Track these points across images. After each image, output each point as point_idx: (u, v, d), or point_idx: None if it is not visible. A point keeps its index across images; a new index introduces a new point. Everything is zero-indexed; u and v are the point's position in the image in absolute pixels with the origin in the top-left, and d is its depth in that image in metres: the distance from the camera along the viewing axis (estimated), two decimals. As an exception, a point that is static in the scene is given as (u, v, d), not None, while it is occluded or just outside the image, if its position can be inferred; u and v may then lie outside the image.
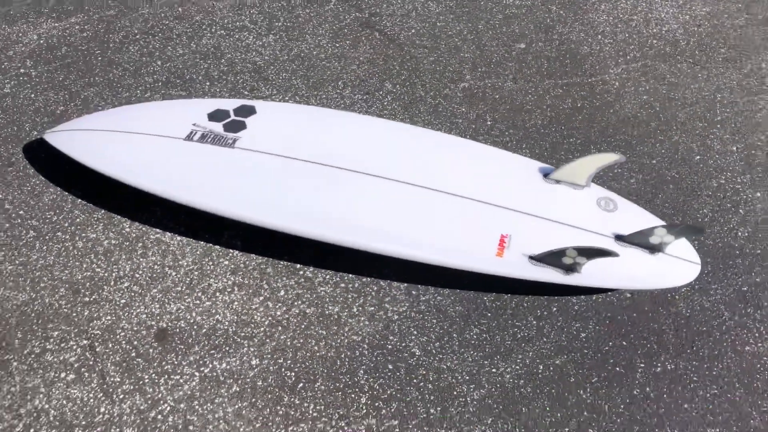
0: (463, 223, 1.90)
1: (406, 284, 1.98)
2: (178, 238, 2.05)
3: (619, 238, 1.93)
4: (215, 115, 2.16)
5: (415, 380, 1.75)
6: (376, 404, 1.70)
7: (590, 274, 1.79)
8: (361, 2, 3.16)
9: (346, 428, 1.66)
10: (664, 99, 2.68)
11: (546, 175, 2.10)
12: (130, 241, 2.04)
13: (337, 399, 1.72)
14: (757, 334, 1.89)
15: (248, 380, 1.74)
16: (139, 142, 2.13)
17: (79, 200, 2.14)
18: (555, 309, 1.94)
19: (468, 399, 1.72)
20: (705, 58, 2.91)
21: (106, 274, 1.94)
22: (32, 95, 2.52)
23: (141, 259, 1.98)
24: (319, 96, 2.62)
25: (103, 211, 2.12)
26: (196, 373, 1.75)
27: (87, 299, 1.88)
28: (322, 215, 1.92)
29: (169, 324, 1.84)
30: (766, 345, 1.86)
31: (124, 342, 1.79)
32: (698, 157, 2.43)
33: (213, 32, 2.93)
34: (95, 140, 2.14)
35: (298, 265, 2.00)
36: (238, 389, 1.72)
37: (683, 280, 1.85)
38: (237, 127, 2.11)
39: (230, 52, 2.81)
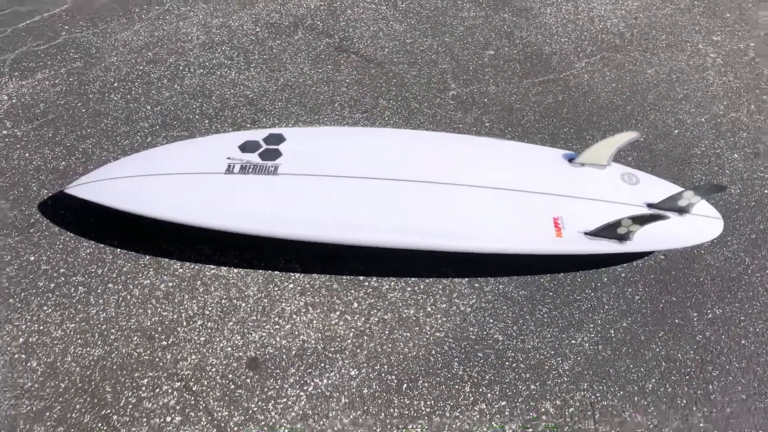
0: (518, 213, 2.24)
1: (467, 279, 2.17)
2: (235, 270, 2.14)
3: (650, 205, 2.18)
4: (247, 147, 2.30)
5: (507, 362, 1.95)
6: (480, 390, 1.88)
7: (641, 240, 2.03)
8: (329, 29, 3.36)
9: (461, 416, 1.79)
10: (631, 84, 3.09)
11: (571, 160, 2.32)
12: (187, 280, 2.12)
13: (443, 392, 1.87)
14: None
15: (353, 390, 1.86)
16: (177, 181, 2.25)
17: (119, 249, 2.21)
18: (606, 279, 2.19)
19: (560, 370, 1.92)
20: (652, 46, 3.34)
21: (175, 316, 2.00)
22: (26, 155, 2.53)
23: (205, 296, 2.05)
24: (321, 119, 2.85)
25: (147, 256, 2.18)
26: (302, 393, 1.84)
27: (164, 343, 1.93)
28: (387, 223, 2.14)
29: (258, 352, 1.93)
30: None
31: (218, 377, 1.85)
32: (676, 131, 2.81)
33: (193, 72, 3.01)
34: (129, 186, 2.24)
35: (361, 277, 2.17)
36: (347, 400, 1.84)
37: (713, 235, 2.13)
38: (273, 155, 2.28)
39: (218, 88, 2.94)
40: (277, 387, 1.97)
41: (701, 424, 1.92)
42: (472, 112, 3.06)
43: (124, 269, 2.26)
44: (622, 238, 2.14)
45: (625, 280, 2.35)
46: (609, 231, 2.12)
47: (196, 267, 2.28)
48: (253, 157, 2.35)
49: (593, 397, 1.97)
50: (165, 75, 3.16)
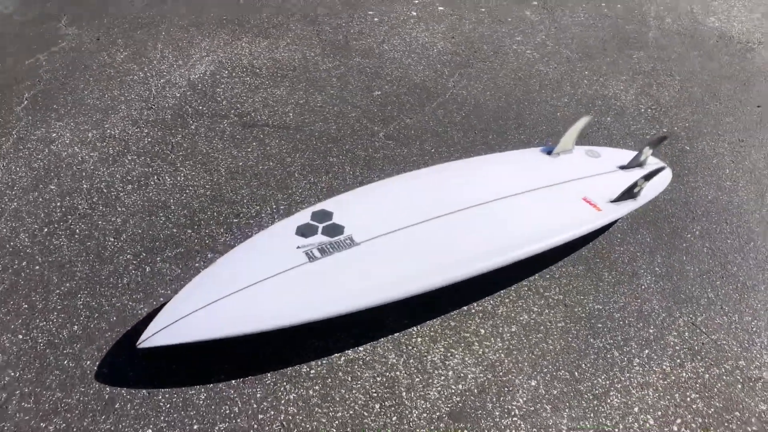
0: (556, 206, 2.69)
1: (535, 275, 2.57)
2: (360, 348, 2.32)
3: (622, 167, 2.87)
4: (305, 231, 2.45)
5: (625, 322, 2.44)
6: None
7: (644, 196, 2.68)
8: (214, 109, 3.71)
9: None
10: (496, 87, 3.82)
11: (549, 152, 2.92)
12: (330, 377, 2.28)
13: (607, 361, 2.27)
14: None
15: (548, 394, 2.17)
16: (268, 288, 2.20)
17: (232, 382, 2.24)
18: (619, 236, 2.80)
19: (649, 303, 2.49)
20: (484, 55, 4.09)
21: (351, 412, 2.18)
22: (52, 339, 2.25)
23: (359, 382, 2.22)
24: (294, 192, 3.11)
25: (268, 374, 2.22)
26: (517, 419, 2.08)
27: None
28: (468, 254, 2.39)
29: (449, 405, 2.14)
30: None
31: None
32: (600, 101, 3.57)
33: (123, 188, 2.90)
34: (217, 312, 2.12)
35: (465, 307, 2.52)
36: (550, 406, 2.13)
37: (668, 178, 2.85)
38: (336, 229, 2.47)
39: (166, 196, 3.06)
40: (492, 423, 2.14)
41: None
42: (412, 145, 3.45)
43: (257, 395, 2.17)
44: (635, 196, 2.77)
45: (636, 230, 3.00)
46: (628, 193, 2.73)
47: (324, 362, 2.29)
48: (321, 238, 2.43)
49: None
50: (97, 203, 2.91)
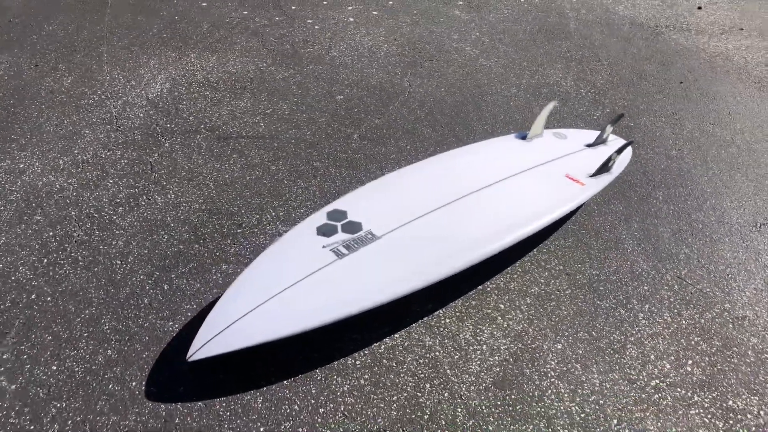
0: (544, 185, 2.88)
1: (534, 252, 2.79)
2: (396, 335, 2.44)
3: (588, 145, 3.16)
4: (326, 231, 2.53)
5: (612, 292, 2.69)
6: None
7: (617, 168, 2.95)
8: (183, 125, 3.70)
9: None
10: (449, 84, 4.04)
11: (524, 138, 3.16)
12: (376, 365, 2.35)
13: (619, 317, 2.51)
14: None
15: (576, 356, 2.36)
16: (301, 290, 2.26)
17: (285, 382, 2.26)
18: (595, 208, 3.05)
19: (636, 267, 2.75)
20: (428, 55, 4.32)
21: (404, 394, 2.25)
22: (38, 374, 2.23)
23: (403, 366, 2.32)
24: (288, 199, 3.15)
25: (317, 371, 2.28)
26: (554, 378, 2.28)
27: (426, 416, 2.13)
28: (482, 236, 2.53)
29: (492, 376, 2.29)
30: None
31: (493, 409, 2.17)
32: (545, 89, 3.84)
33: (114, 211, 2.89)
34: (259, 318, 2.16)
35: (480, 286, 2.68)
36: (580, 365, 2.34)
37: (630, 153, 3.16)
38: (355, 226, 2.55)
39: (162, 215, 2.99)
40: (534, 387, 2.31)
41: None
42: (387, 143, 3.59)
43: (312, 391, 2.23)
44: (610, 169, 3.04)
45: (613, 197, 3.26)
46: (604, 167, 2.99)
47: (365, 352, 2.38)
48: (343, 236, 2.52)
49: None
50: (91, 228, 2.86)
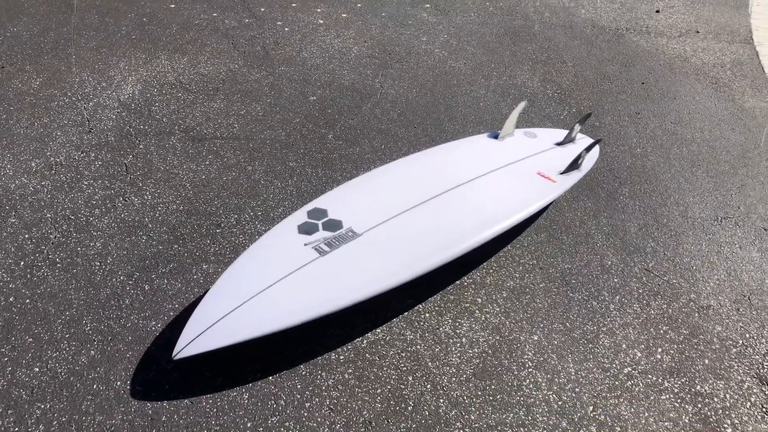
0: (516, 182, 2.95)
1: (507, 248, 2.88)
2: (378, 330, 2.50)
3: (558, 143, 3.26)
4: (308, 229, 2.56)
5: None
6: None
7: (585, 165, 3.06)
8: (157, 127, 3.70)
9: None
10: (421, 84, 4.12)
11: (496, 137, 3.25)
12: (360, 359, 2.38)
13: (588, 310, 2.61)
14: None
15: (548, 353, 2.45)
16: (284, 287, 2.28)
17: (273, 378, 2.28)
18: (565, 204, 3.15)
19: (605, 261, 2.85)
20: (397, 57, 4.39)
21: (389, 387, 2.28)
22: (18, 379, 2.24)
23: (385, 360, 2.38)
24: (266, 198, 3.16)
25: (301, 366, 2.33)
26: (531, 368, 2.37)
27: (410, 408, 2.20)
28: (460, 232, 2.59)
29: (469, 368, 2.37)
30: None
31: (473, 398, 2.24)
32: (513, 90, 3.94)
33: (90, 212, 2.90)
34: (242, 316, 2.18)
35: (457, 282, 2.76)
36: (556, 356, 2.43)
37: (597, 151, 3.27)
38: (336, 224, 2.59)
39: (140, 215, 2.96)
40: (513, 377, 2.39)
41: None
42: (362, 143, 3.64)
43: (297, 386, 2.27)
44: (579, 166, 3.14)
45: (581, 193, 3.36)
46: (574, 164, 3.09)
47: (349, 347, 2.43)
48: (324, 233, 2.56)
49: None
50: (68, 230, 2.85)
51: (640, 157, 3.79)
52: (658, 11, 6.16)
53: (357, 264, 2.41)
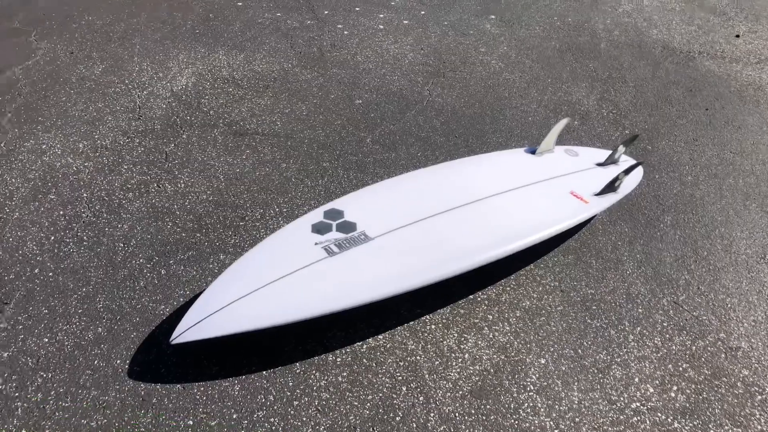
0: (547, 200, 2.86)
1: (531, 265, 2.77)
2: (380, 336, 2.47)
3: (599, 164, 3.12)
4: (321, 229, 2.55)
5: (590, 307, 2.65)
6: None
7: (623, 189, 2.92)
8: (202, 119, 3.78)
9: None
10: (470, 94, 4.03)
11: (533, 152, 3.14)
12: (355, 363, 2.37)
13: (606, 336, 2.49)
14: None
15: (557, 373, 2.34)
16: (288, 284, 2.29)
17: (264, 373, 2.30)
18: (600, 227, 3.03)
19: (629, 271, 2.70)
20: (453, 66, 4.32)
21: (380, 395, 2.26)
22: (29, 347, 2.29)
23: (383, 367, 2.36)
24: (294, 196, 3.20)
25: (297, 365, 2.33)
26: (532, 393, 2.26)
27: (398, 418, 2.15)
28: (474, 245, 2.53)
29: (470, 385, 2.28)
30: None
31: (467, 417, 2.16)
32: (565, 107, 3.81)
33: (124, 196, 2.96)
34: (246, 307, 2.20)
35: (471, 296, 2.70)
36: (560, 382, 2.31)
37: (641, 174, 3.11)
38: (350, 226, 2.56)
39: (169, 202, 3.05)
40: (511, 399, 2.30)
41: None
42: (399, 149, 3.61)
43: (289, 384, 2.26)
44: (616, 189, 3.00)
45: (621, 217, 3.23)
46: (611, 186, 2.96)
47: (347, 350, 2.40)
48: (336, 234, 2.55)
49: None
50: (100, 210, 2.95)
51: (690, 185, 3.61)
52: (738, 36, 5.86)
53: (363, 268, 2.40)
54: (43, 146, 3.38)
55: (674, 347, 2.56)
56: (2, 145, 3.35)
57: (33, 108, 3.71)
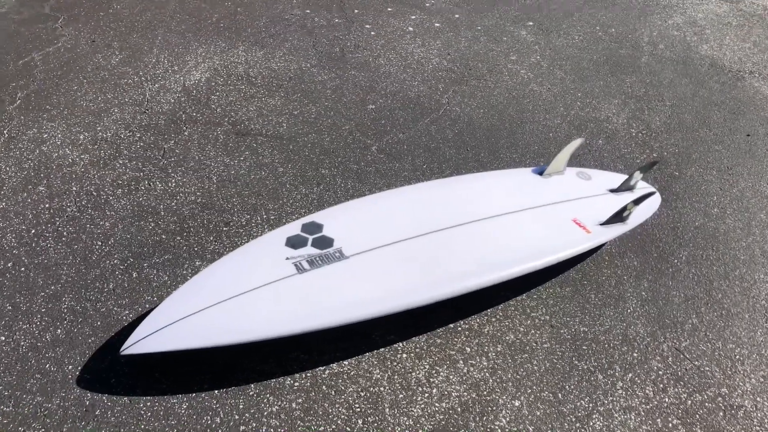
0: (546, 226, 2.69)
1: (524, 295, 2.59)
2: (345, 362, 2.33)
3: (612, 190, 2.90)
4: (295, 243, 2.43)
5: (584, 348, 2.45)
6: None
7: (633, 220, 2.70)
8: (209, 116, 3.72)
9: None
10: (490, 105, 3.84)
11: (540, 173, 2.93)
12: (314, 390, 2.25)
13: (592, 383, 2.29)
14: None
15: (531, 416, 2.17)
16: (250, 300, 2.18)
17: (216, 392, 2.22)
18: (607, 258, 2.82)
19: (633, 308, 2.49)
20: (478, 74, 4.13)
21: (333, 427, 2.13)
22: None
23: (342, 397, 2.21)
24: (286, 203, 3.11)
25: (252, 385, 2.21)
26: None
27: None
28: (458, 271, 2.39)
29: (432, 423, 2.12)
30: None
31: None
32: (592, 124, 3.60)
33: (113, 192, 2.88)
34: (203, 322, 2.10)
35: (451, 325, 2.54)
36: (533, 427, 2.13)
37: (657, 202, 2.88)
38: (325, 242, 2.46)
39: (156, 202, 2.98)
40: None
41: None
42: (404, 160, 3.46)
43: (239, 406, 2.16)
44: (624, 219, 2.79)
45: (631, 250, 3.01)
46: (617, 216, 2.75)
47: (308, 374, 2.29)
48: (310, 250, 2.42)
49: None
50: (85, 206, 2.90)
51: (715, 218, 3.35)
52: (795, 56, 5.49)
53: (333, 288, 2.28)
54: (44, 135, 3.38)
55: (667, 399, 2.36)
56: (5, 132, 3.36)
57: (43, 96, 3.72)
